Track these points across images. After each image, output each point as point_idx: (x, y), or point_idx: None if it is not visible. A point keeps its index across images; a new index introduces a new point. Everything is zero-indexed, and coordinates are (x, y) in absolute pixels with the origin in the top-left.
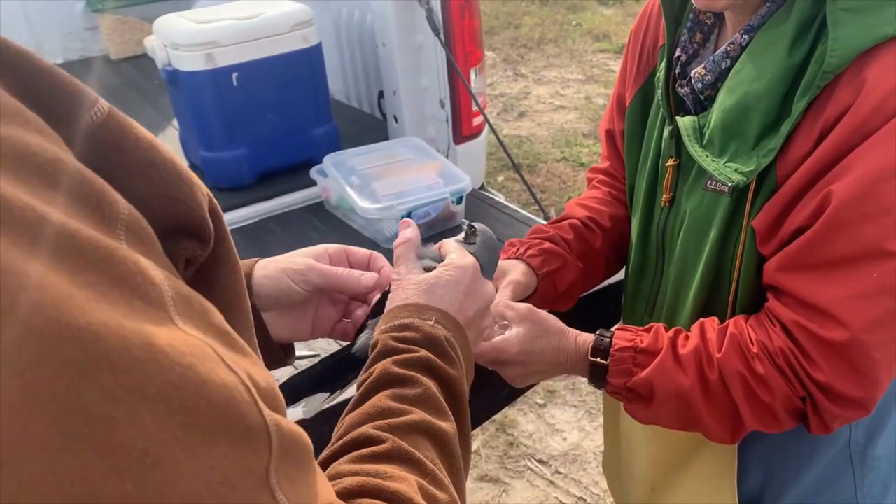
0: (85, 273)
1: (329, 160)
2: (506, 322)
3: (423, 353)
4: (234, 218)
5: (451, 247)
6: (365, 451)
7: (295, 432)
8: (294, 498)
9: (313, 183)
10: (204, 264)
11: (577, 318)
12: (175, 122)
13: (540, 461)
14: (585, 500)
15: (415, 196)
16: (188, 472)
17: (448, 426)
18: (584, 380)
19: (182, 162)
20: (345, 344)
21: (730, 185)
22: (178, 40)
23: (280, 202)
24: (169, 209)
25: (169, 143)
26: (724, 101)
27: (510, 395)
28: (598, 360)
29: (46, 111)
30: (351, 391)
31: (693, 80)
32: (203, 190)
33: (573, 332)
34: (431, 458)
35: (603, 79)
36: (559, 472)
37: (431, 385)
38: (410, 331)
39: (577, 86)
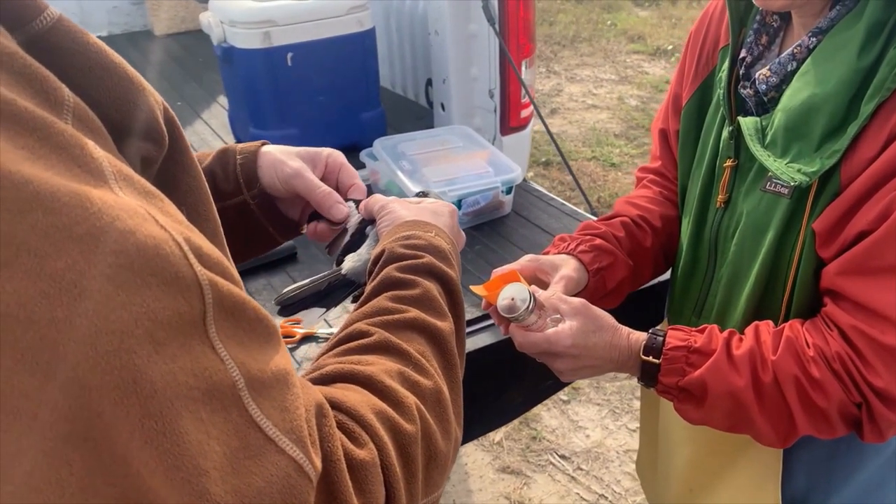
0: (22, 137)
1: (379, 144)
2: (558, 315)
3: (427, 258)
4: None
5: (430, 194)
6: (353, 343)
7: (241, 298)
8: (242, 358)
9: (360, 166)
10: (164, 168)
11: (620, 316)
12: (220, 99)
13: (562, 456)
14: (606, 498)
15: (465, 183)
16: (117, 305)
17: (445, 325)
18: (608, 378)
19: (133, 69)
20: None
21: (792, 184)
22: (235, 18)
23: None
24: (121, 110)
25: (215, 119)
26: (788, 102)
27: (553, 386)
28: (651, 358)
29: None
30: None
31: (757, 82)
32: (156, 97)
33: (626, 329)
34: (422, 350)
35: (636, 80)
36: (581, 469)
37: (433, 287)
38: (415, 239)
39: (609, 86)
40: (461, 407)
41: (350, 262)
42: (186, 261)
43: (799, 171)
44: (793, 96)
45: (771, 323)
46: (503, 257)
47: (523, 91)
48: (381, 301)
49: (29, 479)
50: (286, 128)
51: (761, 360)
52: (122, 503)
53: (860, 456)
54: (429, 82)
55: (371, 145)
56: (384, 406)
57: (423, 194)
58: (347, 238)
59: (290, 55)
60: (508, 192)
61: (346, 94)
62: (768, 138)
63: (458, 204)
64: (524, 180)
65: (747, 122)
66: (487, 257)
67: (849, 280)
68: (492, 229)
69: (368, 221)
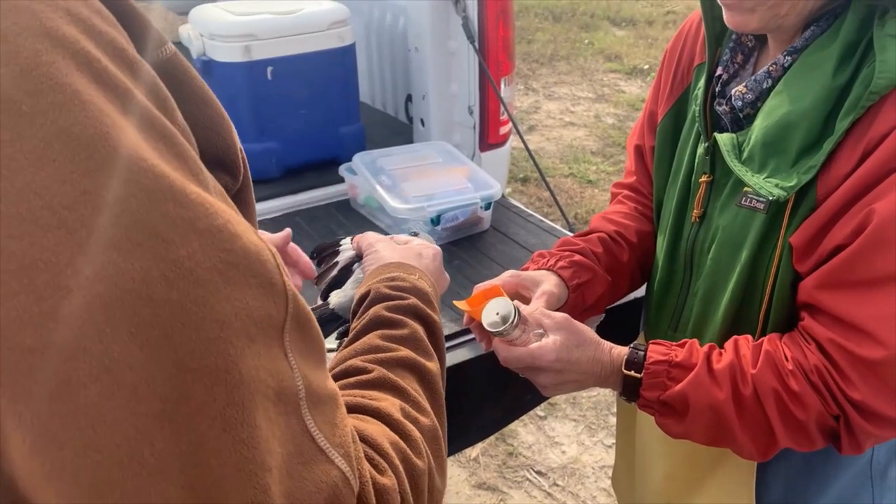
0: (155, 141)
1: (358, 159)
2: (541, 330)
3: (412, 300)
4: (260, 210)
5: (421, 237)
6: (352, 379)
7: (310, 315)
8: (304, 371)
9: (339, 180)
10: (233, 199)
11: (597, 331)
12: None
13: (538, 472)
14: None
15: (445, 199)
16: (223, 297)
17: (433, 365)
18: (585, 394)
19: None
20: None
21: (770, 199)
22: (215, 31)
23: (306, 197)
24: (211, 142)
25: None
26: (766, 118)
27: (532, 401)
28: (632, 372)
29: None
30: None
31: (734, 98)
32: (236, 135)
33: (608, 343)
34: (416, 388)
35: (613, 98)
36: (557, 485)
37: (419, 329)
38: (400, 281)
39: (587, 104)
40: (446, 447)
41: (336, 297)
42: (279, 270)
43: (777, 185)
44: (770, 113)
45: (750, 337)
46: (481, 272)
47: (502, 108)
48: (373, 339)
49: (116, 450)
50: (265, 141)
51: (741, 374)
52: (188, 493)
53: (836, 467)
54: (408, 98)
55: (350, 160)
56: (397, 439)
57: (414, 234)
58: (335, 273)
59: (270, 69)
60: (487, 207)
61: (325, 109)
62: (745, 154)
63: (437, 219)
64: (503, 196)
65: (724, 139)
66: (466, 272)
67: (826, 294)
68: (470, 245)
69: (358, 258)
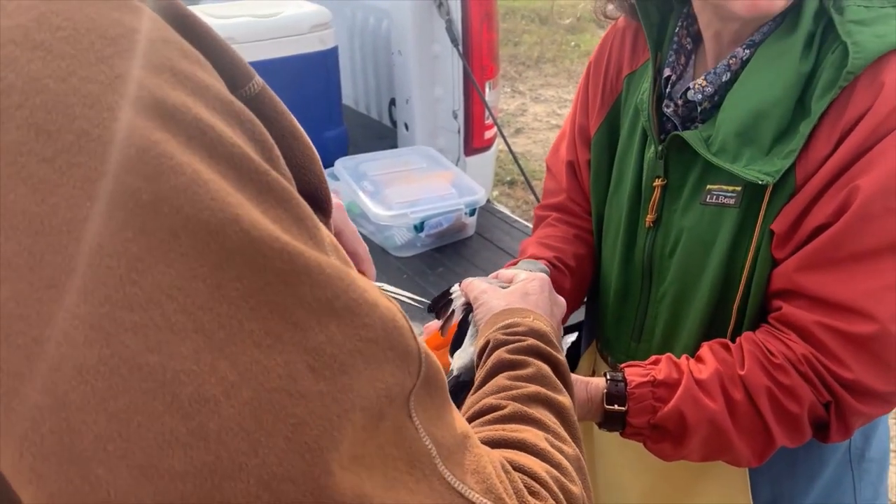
0: (274, 209)
1: (340, 164)
2: None
3: (530, 341)
4: None
5: (521, 266)
6: (488, 416)
7: (437, 365)
8: (429, 426)
9: None
10: None
11: None
12: None
13: None
14: None
15: (428, 205)
16: (365, 380)
17: (565, 399)
18: None
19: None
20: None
21: (760, 183)
22: None
23: None
24: (303, 179)
25: None
26: (734, 108)
27: None
28: (616, 406)
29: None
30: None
31: (692, 92)
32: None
33: (582, 379)
34: (552, 420)
35: None
36: None
37: (544, 367)
38: (515, 326)
39: None
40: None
41: (459, 360)
42: (412, 333)
43: (760, 171)
44: (738, 103)
45: (724, 341)
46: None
47: (487, 112)
48: (500, 380)
49: None
50: None
51: (729, 378)
52: None
53: (819, 459)
54: (392, 102)
55: (332, 165)
56: (549, 467)
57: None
58: (454, 322)
59: None
60: (472, 213)
61: (307, 113)
62: (715, 147)
63: (421, 226)
64: (488, 201)
65: (690, 136)
66: (450, 280)
67: (807, 275)
68: (454, 251)
69: (470, 305)
